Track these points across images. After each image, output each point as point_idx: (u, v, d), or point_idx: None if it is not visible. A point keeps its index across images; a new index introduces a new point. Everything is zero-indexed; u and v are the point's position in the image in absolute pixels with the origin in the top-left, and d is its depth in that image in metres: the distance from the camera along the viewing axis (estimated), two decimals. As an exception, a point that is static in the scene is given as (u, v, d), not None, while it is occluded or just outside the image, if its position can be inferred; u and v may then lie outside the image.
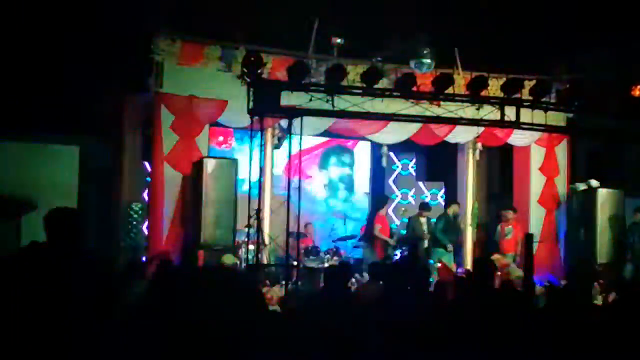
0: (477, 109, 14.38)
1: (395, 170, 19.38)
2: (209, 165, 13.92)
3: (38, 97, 13.88)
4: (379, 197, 18.12)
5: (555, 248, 17.19)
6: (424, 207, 16.80)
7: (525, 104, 14.35)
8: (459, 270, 15.77)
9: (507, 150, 17.64)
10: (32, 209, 12.87)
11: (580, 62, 16.01)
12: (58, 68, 13.94)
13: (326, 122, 15.39)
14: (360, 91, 13.73)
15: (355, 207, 18.95)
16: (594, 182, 16.48)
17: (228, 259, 12.69)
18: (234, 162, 14.37)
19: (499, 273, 15.09)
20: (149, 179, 14.81)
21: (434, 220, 16.42)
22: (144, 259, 14.13)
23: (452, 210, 16.41)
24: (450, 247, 15.89)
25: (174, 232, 14.23)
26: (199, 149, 14.54)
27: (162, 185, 14.30)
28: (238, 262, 13.87)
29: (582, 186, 16.79)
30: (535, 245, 15.23)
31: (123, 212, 14.51)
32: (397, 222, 18.31)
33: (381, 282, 10.10)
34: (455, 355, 6.63)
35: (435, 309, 8.11)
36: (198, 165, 14.02)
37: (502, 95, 14.32)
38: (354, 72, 14.40)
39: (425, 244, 16.07)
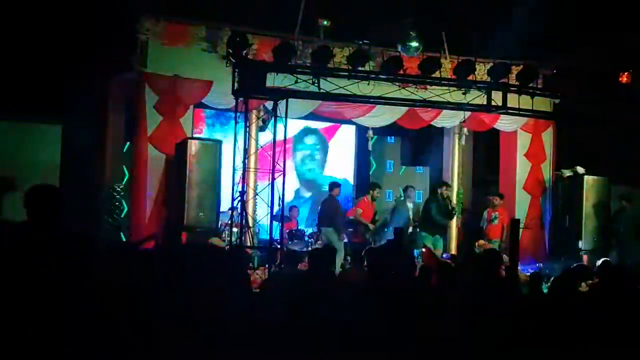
0: (464, 94, 14.35)
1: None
2: (193, 146, 13.79)
3: (21, 76, 13.74)
4: (366, 182, 18.03)
5: (540, 234, 17.17)
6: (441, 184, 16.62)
7: (511, 89, 14.31)
8: (444, 255, 15.72)
9: (493, 136, 17.59)
10: (11, 188, 12.74)
11: (567, 48, 15.94)
12: (42, 47, 13.80)
13: (311, 105, 15.29)
14: (346, 74, 13.65)
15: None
16: (580, 169, 16.48)
17: (217, 241, 12.60)
18: (218, 143, 14.25)
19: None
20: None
21: (418, 202, 16.35)
22: (125, 238, 14.08)
23: (442, 191, 16.26)
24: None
25: (156, 213, 14.13)
26: (183, 129, 14.41)
27: (146, 166, 14.18)
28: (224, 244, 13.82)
29: (568, 172, 16.78)
30: (520, 231, 15.24)
31: (106, 192, 14.41)
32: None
33: (365, 266, 10.03)
34: (438, 340, 6.58)
35: (419, 294, 8.05)
36: (182, 146, 13.89)
37: (488, 80, 14.28)
38: (340, 55, 14.34)
39: (410, 228, 15.96)
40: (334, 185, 16.01)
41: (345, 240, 15.72)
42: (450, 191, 16.41)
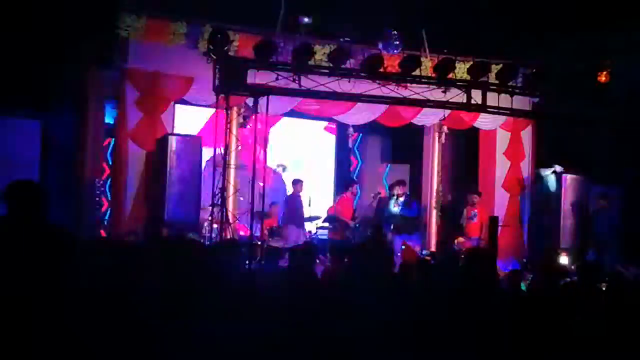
0: (444, 92, 14.41)
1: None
2: (174, 142, 13.78)
3: (1, 70, 13.66)
4: (346, 179, 18.08)
5: (519, 232, 17.27)
6: (394, 184, 16.66)
7: (491, 87, 14.39)
8: (423, 252, 15.79)
9: (472, 134, 17.65)
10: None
11: (547, 48, 16.03)
12: (22, 41, 13.73)
13: (292, 102, 15.31)
14: (327, 71, 13.69)
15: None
16: (559, 168, 16.58)
17: (191, 236, 12.60)
18: (199, 140, 14.25)
19: (463, 256, 15.19)
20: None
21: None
22: (105, 234, 14.07)
23: (395, 191, 16.29)
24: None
25: (137, 209, 14.11)
26: (164, 125, 14.40)
27: (126, 162, 14.17)
28: (202, 240, 13.83)
29: (546, 171, 16.88)
30: (499, 229, 15.34)
31: (87, 188, 14.37)
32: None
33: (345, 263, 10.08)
34: (420, 339, 6.61)
35: (399, 292, 8.09)
36: (163, 142, 13.88)
37: (468, 78, 14.35)
38: (321, 52, 14.38)
39: (392, 226, 16.01)
40: (296, 182, 16.08)
41: (312, 237, 15.84)
42: (400, 191, 16.32)
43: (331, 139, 19.04)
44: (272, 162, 17.51)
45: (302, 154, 18.72)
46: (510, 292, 8.95)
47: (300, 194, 16.04)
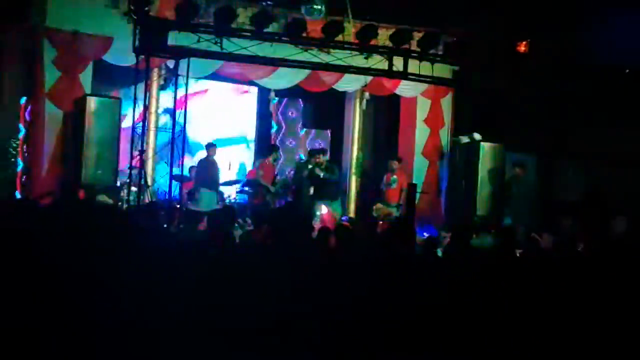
0: (366, 58, 14.45)
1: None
2: (92, 103, 13.59)
3: None
4: (267, 144, 18.04)
5: (437, 199, 17.47)
6: (315, 152, 16.69)
7: (413, 55, 14.49)
8: (343, 218, 15.87)
9: (393, 101, 17.75)
10: None
11: (469, 17, 16.16)
12: None
13: (214, 65, 15.17)
14: (249, 34, 13.60)
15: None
16: (477, 136, 16.77)
17: (102, 198, 12.51)
18: (118, 101, 14.07)
19: (381, 222, 15.36)
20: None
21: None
22: (20, 195, 13.85)
23: (311, 159, 16.30)
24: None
25: (53, 170, 13.90)
26: (82, 86, 14.17)
27: (43, 122, 13.92)
28: (119, 203, 13.73)
29: (465, 139, 17.07)
30: (418, 196, 15.51)
31: (1, 149, 14.11)
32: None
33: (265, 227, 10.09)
34: (335, 300, 6.67)
35: (317, 255, 8.15)
36: (80, 103, 13.67)
37: (390, 45, 14.41)
38: (244, 15, 14.25)
39: (311, 190, 16.00)
40: (209, 145, 15.99)
41: (232, 201, 15.81)
42: (322, 158, 16.29)
43: (252, 103, 18.90)
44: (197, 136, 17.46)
45: (223, 121, 18.58)
46: (425, 258, 9.09)
47: (214, 157, 15.90)
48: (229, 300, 6.25)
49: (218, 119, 18.25)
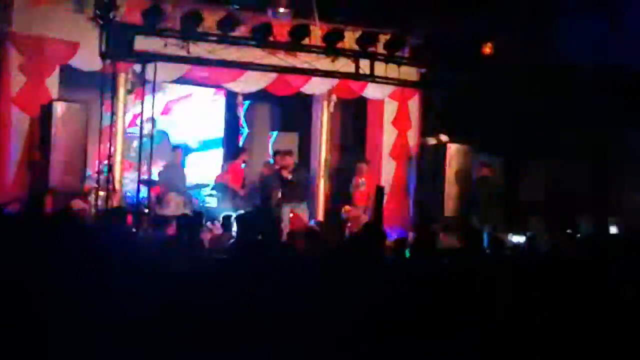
0: (333, 61, 14.55)
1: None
2: (59, 108, 13.57)
3: None
4: (235, 148, 18.08)
5: (405, 201, 17.51)
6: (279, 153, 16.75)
7: (379, 57, 14.59)
8: (312, 221, 15.92)
9: (361, 103, 17.82)
10: None
11: (434, 19, 16.29)
12: None
13: (181, 69, 15.16)
14: (216, 38, 13.64)
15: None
16: (444, 137, 16.88)
17: (78, 204, 12.49)
18: (86, 105, 14.05)
19: (350, 224, 15.44)
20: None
21: None
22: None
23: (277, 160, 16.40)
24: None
25: (21, 176, 13.83)
26: (49, 91, 14.12)
27: (9, 128, 13.85)
28: (87, 208, 13.72)
29: (432, 140, 17.17)
30: (385, 198, 15.58)
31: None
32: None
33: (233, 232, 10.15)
34: (303, 304, 6.72)
35: (285, 259, 8.20)
36: (47, 108, 13.64)
37: (357, 48, 14.51)
38: (210, 19, 14.23)
39: (279, 194, 16.04)
40: (174, 148, 16.03)
41: (200, 205, 15.84)
42: (288, 160, 16.37)
43: (220, 107, 18.95)
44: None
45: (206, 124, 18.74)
46: (394, 260, 9.17)
47: (180, 161, 15.93)
48: (197, 306, 6.29)
49: (203, 123, 18.50)
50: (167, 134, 17.90)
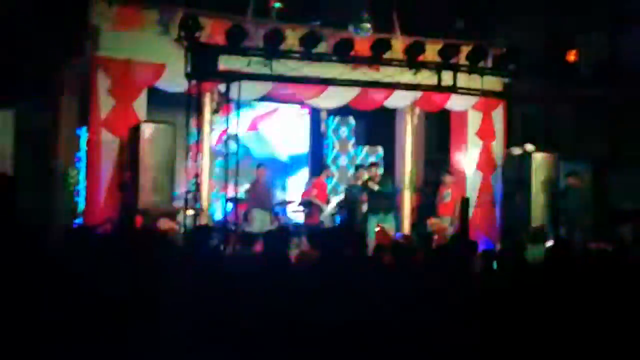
0: (415, 74, 14.51)
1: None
2: (147, 129, 13.81)
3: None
4: (320, 163, 18.20)
5: (492, 212, 17.39)
6: (361, 167, 16.81)
7: (461, 69, 14.53)
8: (397, 235, 15.89)
9: (444, 115, 17.76)
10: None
11: (516, 28, 16.19)
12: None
13: (265, 87, 15.33)
14: (298, 55, 13.76)
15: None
16: (529, 147, 16.71)
17: (166, 224, 12.68)
18: (173, 126, 14.29)
19: (436, 237, 15.36)
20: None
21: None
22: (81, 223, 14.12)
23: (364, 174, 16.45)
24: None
25: (111, 197, 14.12)
26: (137, 113, 14.39)
27: (100, 150, 14.15)
28: (177, 227, 13.93)
29: (517, 150, 17.02)
30: (472, 210, 15.51)
31: (60, 178, 14.38)
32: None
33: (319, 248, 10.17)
34: (391, 322, 6.71)
35: (373, 274, 8.20)
36: (135, 130, 13.91)
37: (439, 60, 14.48)
38: (292, 37, 14.37)
39: (364, 208, 16.07)
40: (258, 166, 16.16)
41: (287, 222, 15.92)
42: (374, 172, 16.43)
43: (305, 123, 19.12)
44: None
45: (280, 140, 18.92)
46: (482, 272, 9.09)
47: (265, 178, 16.08)
48: (286, 320, 6.34)
49: (289, 138, 18.81)
50: (250, 151, 18.09)
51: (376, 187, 15.79)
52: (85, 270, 6.03)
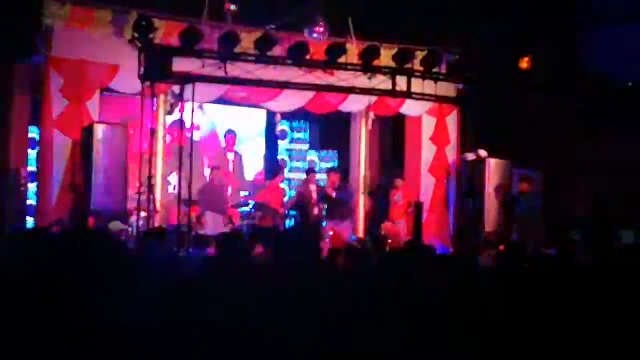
0: (370, 79, 14.56)
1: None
2: (100, 130, 13.71)
3: None
4: (273, 166, 18.16)
5: (445, 217, 17.50)
6: (311, 171, 16.83)
7: (416, 74, 14.60)
8: (352, 238, 15.92)
9: (399, 120, 17.84)
10: None
11: (471, 34, 16.29)
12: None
13: (220, 89, 15.30)
14: (253, 58, 13.74)
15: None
16: (483, 152, 16.83)
17: (117, 226, 12.59)
18: (125, 128, 14.20)
19: (390, 240, 15.41)
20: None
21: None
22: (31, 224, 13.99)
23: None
24: None
25: (63, 198, 13.99)
26: (90, 114, 14.28)
27: (52, 151, 14.03)
28: (129, 229, 13.86)
29: (471, 156, 17.13)
30: (425, 215, 15.60)
31: (11, 179, 14.23)
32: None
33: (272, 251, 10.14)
34: (348, 325, 6.71)
35: (326, 277, 8.19)
36: (88, 131, 13.79)
37: (394, 65, 14.54)
38: (247, 40, 14.36)
39: (316, 210, 16.07)
40: (212, 169, 16.13)
41: (240, 224, 15.89)
42: (332, 178, 16.40)
43: (261, 126, 19.02)
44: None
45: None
46: (434, 277, 9.11)
47: (219, 181, 16.02)
48: (238, 322, 6.31)
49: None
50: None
51: (334, 194, 15.82)
52: (34, 271, 5.95)
